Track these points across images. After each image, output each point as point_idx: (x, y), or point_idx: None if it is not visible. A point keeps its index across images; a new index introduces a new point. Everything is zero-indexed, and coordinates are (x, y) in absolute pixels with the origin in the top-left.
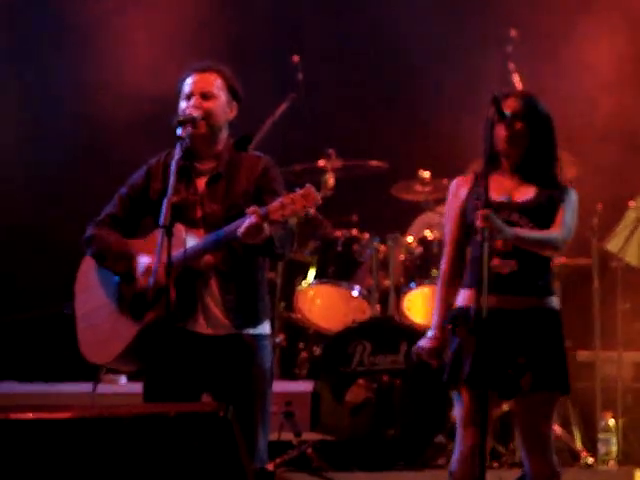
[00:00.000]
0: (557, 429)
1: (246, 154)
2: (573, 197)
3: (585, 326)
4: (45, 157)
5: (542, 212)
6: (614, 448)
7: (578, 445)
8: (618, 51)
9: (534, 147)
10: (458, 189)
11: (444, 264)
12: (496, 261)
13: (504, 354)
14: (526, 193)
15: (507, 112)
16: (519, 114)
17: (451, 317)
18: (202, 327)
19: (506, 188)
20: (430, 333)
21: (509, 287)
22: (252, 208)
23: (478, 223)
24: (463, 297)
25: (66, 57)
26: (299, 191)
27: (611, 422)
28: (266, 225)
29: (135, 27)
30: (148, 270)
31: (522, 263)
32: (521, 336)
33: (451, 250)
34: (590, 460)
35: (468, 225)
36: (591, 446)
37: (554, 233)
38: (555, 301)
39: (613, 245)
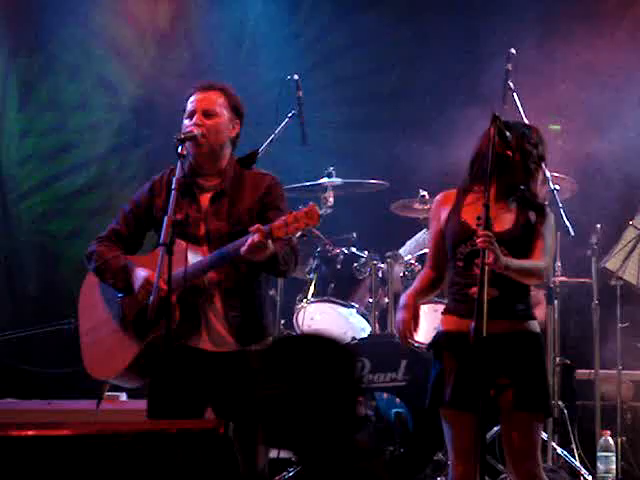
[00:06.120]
0: (556, 447)
1: (250, 172)
2: (551, 221)
3: (584, 344)
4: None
5: (519, 242)
6: (613, 466)
7: (577, 463)
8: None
9: (521, 173)
10: (438, 210)
11: (417, 282)
12: (475, 288)
13: (486, 376)
14: (504, 221)
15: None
16: (512, 145)
17: (433, 341)
18: (205, 344)
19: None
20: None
21: (490, 312)
22: (255, 226)
23: (479, 244)
24: (445, 322)
25: None
26: (302, 209)
27: (610, 440)
28: (270, 242)
29: None
30: (146, 285)
31: (502, 289)
32: (503, 358)
33: (429, 271)
34: (589, 478)
35: (449, 248)
36: (590, 464)
37: (540, 263)
38: (535, 325)
39: (612, 264)
